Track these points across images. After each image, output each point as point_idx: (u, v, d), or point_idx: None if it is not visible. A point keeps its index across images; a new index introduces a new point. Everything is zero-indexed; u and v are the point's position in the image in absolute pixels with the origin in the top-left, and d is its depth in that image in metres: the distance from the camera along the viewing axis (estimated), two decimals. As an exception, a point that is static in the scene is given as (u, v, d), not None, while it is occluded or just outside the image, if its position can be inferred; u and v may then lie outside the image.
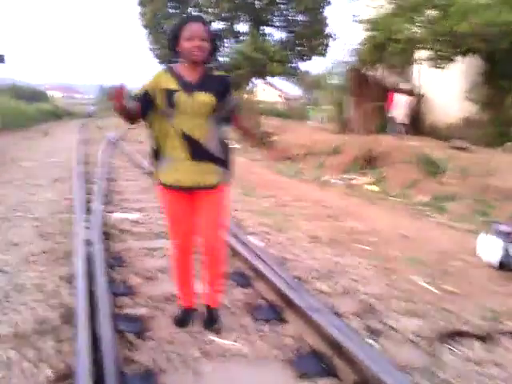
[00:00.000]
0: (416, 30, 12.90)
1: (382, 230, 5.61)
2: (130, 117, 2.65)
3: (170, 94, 2.61)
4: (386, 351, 2.78)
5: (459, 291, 3.79)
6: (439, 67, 12.94)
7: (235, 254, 4.31)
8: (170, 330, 2.96)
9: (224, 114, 2.76)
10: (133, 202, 6.69)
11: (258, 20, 29.99)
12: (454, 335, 3.04)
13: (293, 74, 31.39)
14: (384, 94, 13.81)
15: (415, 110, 14.43)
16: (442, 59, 12.72)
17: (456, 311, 3.37)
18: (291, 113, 28.23)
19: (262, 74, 28.11)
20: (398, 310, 3.40)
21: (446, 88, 14.23)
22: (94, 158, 11.42)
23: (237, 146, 17.20)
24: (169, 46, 2.70)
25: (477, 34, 10.89)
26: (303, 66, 32.10)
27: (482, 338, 3.01)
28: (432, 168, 8.89)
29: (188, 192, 2.76)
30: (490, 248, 4.45)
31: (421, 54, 13.54)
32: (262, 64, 26.60)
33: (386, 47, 13.96)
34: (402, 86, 14.70)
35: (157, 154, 2.76)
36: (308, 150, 12.88)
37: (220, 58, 31.32)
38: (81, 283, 3.27)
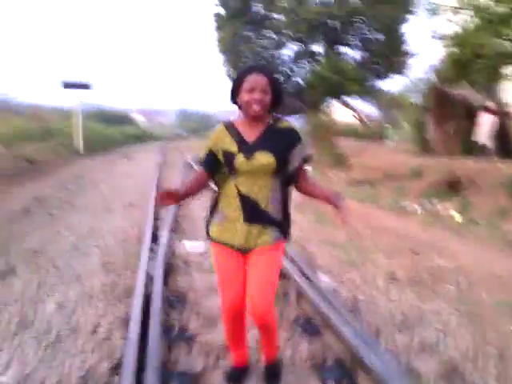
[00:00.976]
0: (504, 45, 12.00)
1: (469, 268, 5.02)
2: (191, 195, 2.54)
3: (229, 156, 2.43)
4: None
5: None
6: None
7: (302, 295, 3.96)
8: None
9: (290, 171, 2.49)
10: (201, 228, 6.52)
11: (334, 40, 29.69)
12: None
13: (370, 93, 30.59)
14: (468, 113, 12.90)
15: (503, 130, 13.37)
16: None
17: None
18: (369, 133, 27.45)
19: (337, 94, 27.65)
20: (489, 373, 2.90)
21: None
22: (169, 181, 11.55)
23: (309, 168, 16.90)
24: (230, 97, 2.49)
25: None
26: (381, 84, 31.18)
27: None
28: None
29: (240, 251, 2.52)
30: None
31: (509, 69, 12.57)
32: (338, 84, 26.17)
33: (470, 63, 13.12)
34: (488, 104, 13.70)
35: (213, 210, 2.59)
36: (385, 173, 12.28)
37: (297, 79, 31.42)
38: (133, 328, 3.06)
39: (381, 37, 29.64)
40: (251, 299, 2.45)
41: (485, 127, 12.28)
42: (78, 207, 8.51)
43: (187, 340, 3.27)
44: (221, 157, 2.47)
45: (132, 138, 38.21)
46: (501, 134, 13.10)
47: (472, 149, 12.27)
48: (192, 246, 5.56)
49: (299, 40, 30.41)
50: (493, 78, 13.89)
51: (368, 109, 34.38)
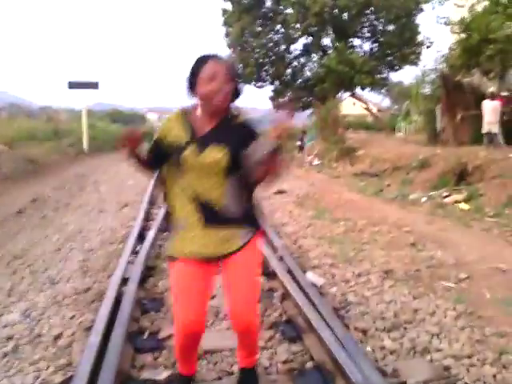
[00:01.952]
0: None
1: (473, 262, 4.67)
2: (145, 168, 2.29)
3: (177, 149, 2.12)
4: None
5: None
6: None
7: (286, 296, 3.67)
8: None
9: (250, 167, 2.13)
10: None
11: (344, 32, 29.19)
12: None
13: (381, 85, 30.03)
14: (478, 101, 12.38)
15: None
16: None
17: None
18: (379, 125, 26.94)
19: (348, 87, 27.18)
20: (485, 381, 2.58)
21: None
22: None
23: (317, 161, 16.57)
24: (187, 91, 2.17)
25: None
26: (394, 76, 30.70)
27: None
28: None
29: (203, 263, 2.19)
30: None
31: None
32: (348, 76, 25.71)
33: (480, 49, 12.65)
34: (500, 92, 13.18)
35: (169, 221, 2.26)
36: (393, 164, 11.90)
37: (307, 73, 31.00)
38: (93, 338, 2.80)
39: (394, 27, 29.06)
40: (234, 307, 2.20)
41: (495, 115, 11.75)
42: (73, 208, 8.32)
43: (155, 347, 3.01)
44: (168, 149, 2.15)
45: (144, 136, 38.00)
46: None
47: (482, 138, 11.79)
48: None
49: (309, 33, 29.99)
50: (504, 63, 13.41)
51: (379, 100, 33.89)
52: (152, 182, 10.33)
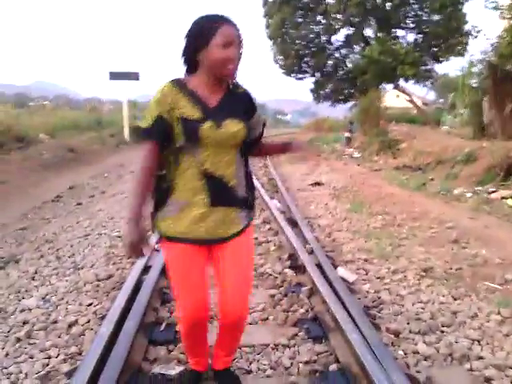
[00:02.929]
0: None
1: (520, 262, 4.31)
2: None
3: (189, 124, 1.87)
4: None
5: None
6: None
7: (314, 292, 3.45)
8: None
9: (251, 140, 2.06)
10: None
11: (388, 23, 28.38)
12: None
13: (426, 77, 29.06)
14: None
15: None
16: None
17: None
18: (424, 119, 26.09)
19: (391, 79, 26.41)
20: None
21: None
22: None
23: (357, 154, 16.13)
24: (184, 52, 1.92)
25: None
26: (439, 68, 29.60)
27: None
28: None
29: (204, 246, 2.03)
30: None
31: None
32: (391, 67, 24.98)
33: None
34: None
35: (161, 200, 2.00)
36: (437, 158, 11.41)
37: (349, 65, 30.38)
38: (104, 328, 2.66)
39: (438, 17, 27.99)
40: (227, 296, 2.04)
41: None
42: (108, 196, 8.32)
43: (171, 340, 2.85)
44: (177, 127, 1.89)
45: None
46: None
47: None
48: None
49: (351, 24, 29.33)
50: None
51: (424, 94, 32.88)
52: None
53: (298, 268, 4.02)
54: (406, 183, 9.85)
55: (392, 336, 2.89)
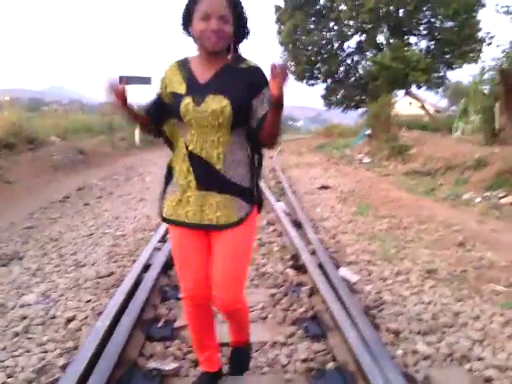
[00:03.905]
0: None
1: (527, 265, 4.23)
2: (148, 127, 2.06)
3: (176, 100, 1.91)
4: None
5: None
6: None
7: (315, 292, 3.41)
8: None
9: (256, 123, 1.90)
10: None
11: (401, 29, 28.31)
12: None
13: (438, 84, 28.91)
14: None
15: None
16: None
17: None
18: (436, 125, 25.91)
19: (402, 85, 26.31)
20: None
21: None
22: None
23: (367, 159, 16.04)
24: (182, 26, 1.93)
25: None
26: (452, 75, 29.41)
27: None
28: None
29: (198, 230, 2.00)
30: None
31: None
32: (403, 74, 24.90)
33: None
34: None
35: (167, 179, 2.07)
36: (447, 164, 11.30)
37: (360, 71, 30.32)
38: (100, 323, 2.65)
39: (451, 24, 27.85)
40: (216, 287, 2.00)
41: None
42: (115, 197, 8.35)
43: (169, 339, 2.83)
44: (169, 101, 1.96)
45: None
46: None
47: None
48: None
49: (363, 31, 29.30)
50: None
51: (436, 101, 32.72)
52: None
53: (300, 268, 3.98)
54: (414, 188, 9.76)
55: (392, 336, 2.84)
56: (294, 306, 3.30)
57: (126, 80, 1.87)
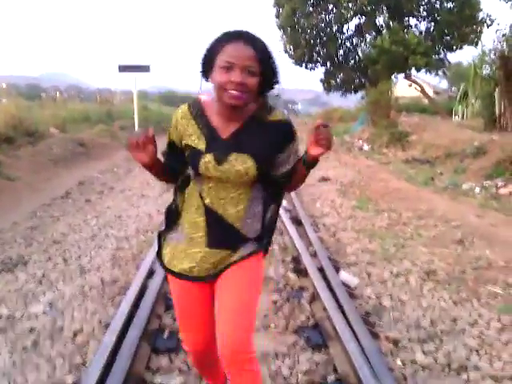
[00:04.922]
0: None
1: (525, 264, 4.30)
2: (164, 176, 1.88)
3: (194, 155, 1.72)
4: None
5: None
6: None
7: (316, 297, 3.48)
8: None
9: (281, 175, 1.78)
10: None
11: (401, 11, 28.00)
12: None
13: (437, 67, 28.67)
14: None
15: None
16: None
17: None
18: (435, 109, 25.80)
19: (401, 68, 26.12)
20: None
21: None
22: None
23: (366, 146, 16.04)
24: (202, 72, 1.72)
25: None
26: (452, 57, 29.18)
27: None
28: None
29: (201, 281, 1.85)
30: None
31: None
32: (402, 57, 24.71)
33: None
34: None
35: (171, 221, 1.88)
36: (447, 151, 11.34)
37: (360, 54, 30.06)
38: (108, 338, 2.72)
39: (451, 5, 27.56)
40: (221, 334, 1.74)
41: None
42: (116, 192, 8.40)
43: (174, 348, 2.90)
44: (184, 150, 1.77)
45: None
46: None
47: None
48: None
49: (362, 13, 28.98)
50: None
51: (435, 83, 32.51)
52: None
53: (301, 271, 4.05)
54: (414, 177, 9.80)
55: (391, 345, 2.91)
56: (295, 313, 3.36)
57: (151, 131, 1.67)
